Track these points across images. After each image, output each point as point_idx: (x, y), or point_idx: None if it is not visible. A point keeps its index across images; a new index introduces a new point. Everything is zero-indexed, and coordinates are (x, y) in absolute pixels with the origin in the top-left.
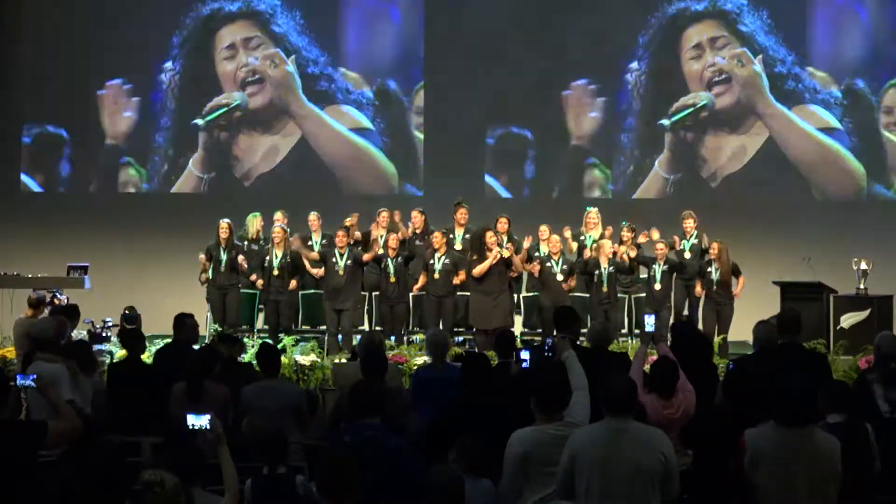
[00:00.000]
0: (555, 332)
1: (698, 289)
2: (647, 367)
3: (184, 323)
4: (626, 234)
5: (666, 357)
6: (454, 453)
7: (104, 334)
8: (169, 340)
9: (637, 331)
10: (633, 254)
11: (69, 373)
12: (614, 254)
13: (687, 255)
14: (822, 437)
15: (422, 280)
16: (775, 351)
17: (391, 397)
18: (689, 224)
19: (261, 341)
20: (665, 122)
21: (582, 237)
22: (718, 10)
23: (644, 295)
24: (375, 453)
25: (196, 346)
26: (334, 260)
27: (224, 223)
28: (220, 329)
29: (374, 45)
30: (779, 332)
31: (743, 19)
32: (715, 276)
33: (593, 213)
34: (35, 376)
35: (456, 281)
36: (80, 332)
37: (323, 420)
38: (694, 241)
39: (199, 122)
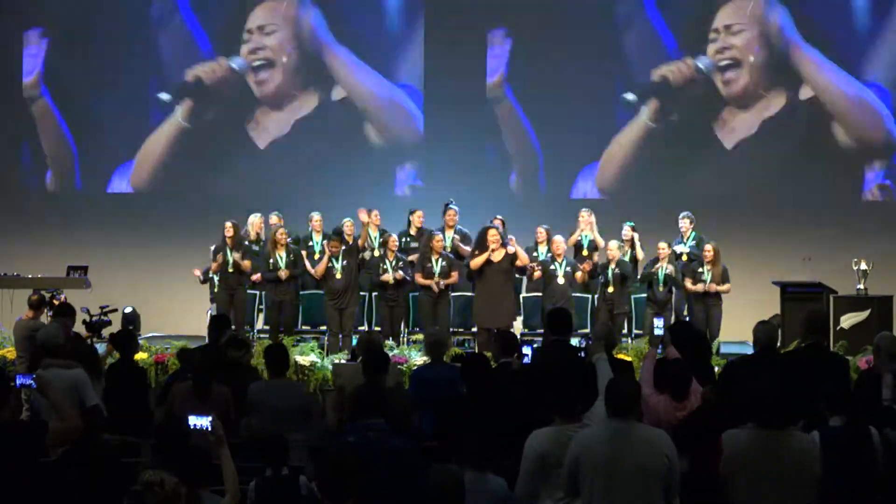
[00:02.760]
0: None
1: (689, 286)
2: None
3: (225, 325)
4: (628, 234)
5: (679, 360)
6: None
7: (104, 319)
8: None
9: (637, 332)
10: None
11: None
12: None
13: (683, 258)
14: (800, 439)
15: (419, 278)
16: (797, 351)
17: (393, 397)
18: (686, 224)
19: (267, 342)
20: (629, 96)
21: (579, 238)
22: None
23: (646, 296)
24: (379, 453)
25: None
26: (331, 263)
27: (229, 224)
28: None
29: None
30: (805, 333)
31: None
32: (707, 277)
33: (585, 214)
34: (34, 376)
35: (447, 282)
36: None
37: (323, 420)
38: (692, 242)
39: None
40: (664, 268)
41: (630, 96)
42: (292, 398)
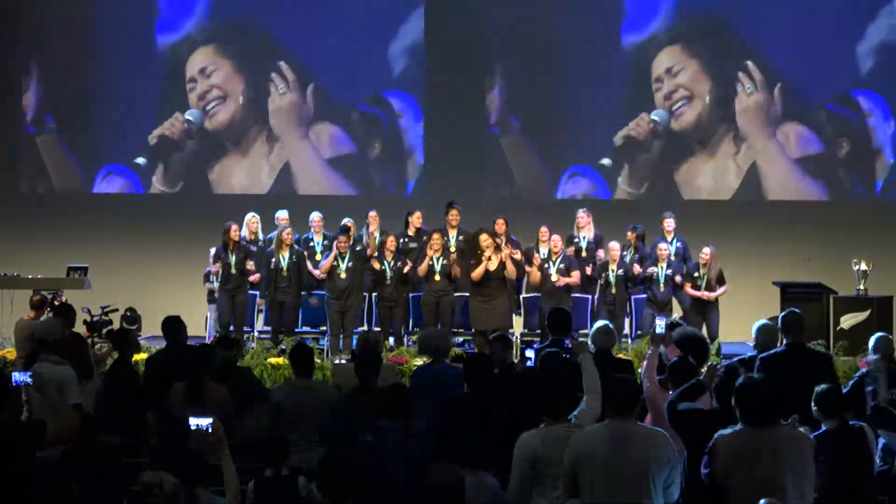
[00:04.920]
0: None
1: (687, 289)
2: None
3: (176, 325)
4: (630, 236)
5: (683, 358)
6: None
7: (105, 319)
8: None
9: (639, 332)
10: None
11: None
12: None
13: (673, 258)
14: (790, 434)
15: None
16: (779, 352)
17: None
18: (670, 224)
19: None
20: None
21: (576, 239)
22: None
23: (646, 296)
24: (397, 455)
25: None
26: (335, 263)
27: (234, 226)
28: (221, 332)
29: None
30: (783, 333)
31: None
32: (702, 281)
33: (583, 214)
34: (31, 373)
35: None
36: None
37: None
38: (678, 244)
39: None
40: (663, 268)
41: (606, 161)
42: (318, 398)
